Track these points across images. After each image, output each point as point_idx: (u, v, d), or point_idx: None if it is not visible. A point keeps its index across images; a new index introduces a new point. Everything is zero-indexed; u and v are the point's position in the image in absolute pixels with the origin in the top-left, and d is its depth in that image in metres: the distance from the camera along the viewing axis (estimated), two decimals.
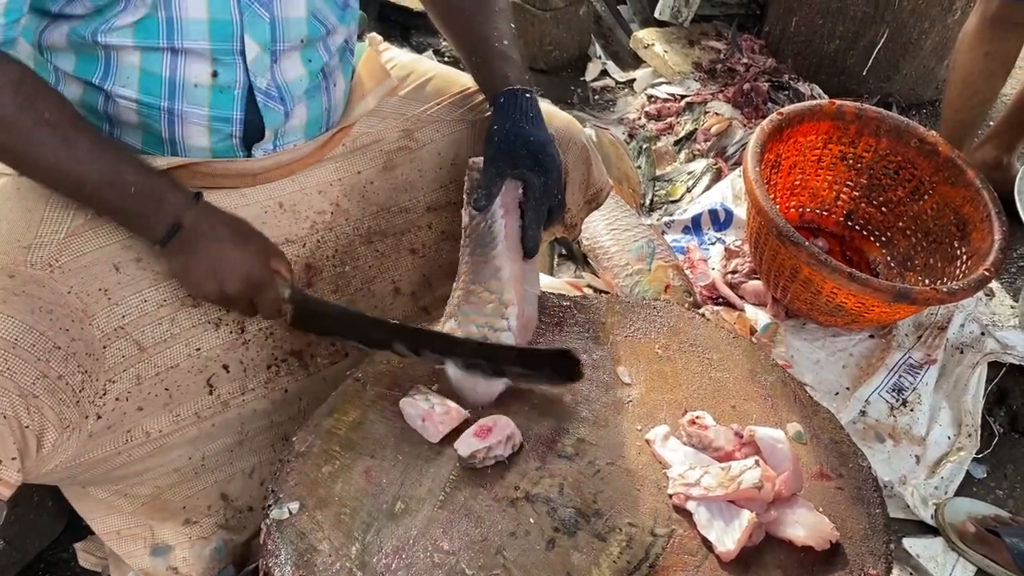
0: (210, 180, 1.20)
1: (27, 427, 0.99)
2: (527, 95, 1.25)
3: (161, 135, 1.16)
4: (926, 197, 1.91)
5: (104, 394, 1.11)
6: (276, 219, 1.25)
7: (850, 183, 2.02)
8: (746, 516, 0.96)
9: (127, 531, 1.28)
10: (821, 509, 1.01)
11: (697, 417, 1.07)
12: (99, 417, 1.10)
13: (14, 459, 0.99)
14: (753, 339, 1.80)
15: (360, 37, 1.40)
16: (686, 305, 1.86)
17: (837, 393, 1.79)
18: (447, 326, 1.17)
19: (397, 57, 1.46)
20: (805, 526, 0.98)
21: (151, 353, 1.15)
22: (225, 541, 1.34)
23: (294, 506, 1.01)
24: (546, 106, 1.43)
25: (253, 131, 1.19)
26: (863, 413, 1.77)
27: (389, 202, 1.36)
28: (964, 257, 1.79)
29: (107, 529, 1.28)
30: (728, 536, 0.95)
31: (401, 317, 1.39)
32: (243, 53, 1.12)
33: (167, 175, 1.13)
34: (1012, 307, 2.00)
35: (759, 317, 1.86)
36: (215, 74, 1.12)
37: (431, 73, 1.44)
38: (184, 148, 1.17)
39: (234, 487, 1.29)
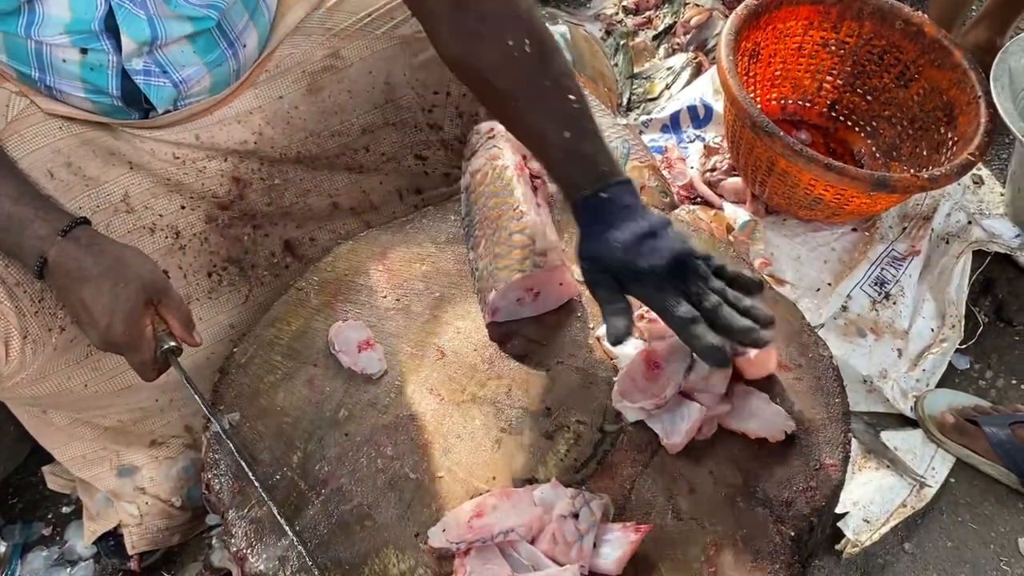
0: (112, 125, 1.13)
1: None
2: (596, 200, 0.92)
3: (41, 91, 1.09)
4: (912, 82, 1.82)
5: (62, 305, 1.07)
6: (192, 155, 1.18)
7: (833, 71, 1.92)
8: (696, 408, 0.93)
9: (92, 455, 1.27)
10: (778, 400, 0.98)
11: (648, 310, 1.03)
12: (62, 329, 1.08)
13: None
14: (731, 237, 1.75)
15: None
16: (663, 206, 1.80)
17: (818, 289, 1.75)
18: (491, 297, 1.02)
19: None
20: (759, 418, 0.95)
21: None
22: (192, 461, 1.33)
23: (234, 417, 0.99)
24: None
25: (139, 99, 1.10)
26: (844, 308, 1.72)
27: (318, 127, 1.26)
28: (951, 143, 1.71)
29: (71, 455, 1.27)
30: (675, 429, 0.92)
31: (343, 232, 1.31)
32: (117, 42, 1.03)
33: (39, 200, 1.00)
34: (1002, 195, 1.93)
35: (738, 215, 1.80)
36: (84, 51, 1.03)
37: None
38: (70, 104, 1.10)
39: (198, 420, 1.26)
